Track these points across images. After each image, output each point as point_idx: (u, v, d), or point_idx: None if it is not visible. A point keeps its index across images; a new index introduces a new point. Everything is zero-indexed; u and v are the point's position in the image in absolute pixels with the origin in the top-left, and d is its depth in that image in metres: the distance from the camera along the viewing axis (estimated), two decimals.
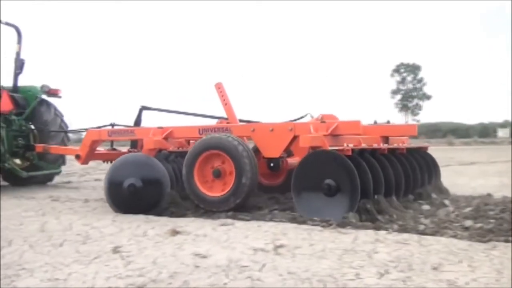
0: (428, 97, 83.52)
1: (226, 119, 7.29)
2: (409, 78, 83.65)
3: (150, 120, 8.07)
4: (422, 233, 4.66)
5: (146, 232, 4.82)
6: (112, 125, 7.76)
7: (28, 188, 9.36)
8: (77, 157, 8.05)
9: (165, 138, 6.71)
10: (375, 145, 6.20)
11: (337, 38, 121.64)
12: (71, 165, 12.25)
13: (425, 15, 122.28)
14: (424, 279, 3.22)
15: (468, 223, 5.03)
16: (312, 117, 6.86)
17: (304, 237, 4.46)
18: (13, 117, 9.51)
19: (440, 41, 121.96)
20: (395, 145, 6.65)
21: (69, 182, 11.02)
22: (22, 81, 10.40)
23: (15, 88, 10.24)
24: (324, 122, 5.99)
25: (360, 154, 5.65)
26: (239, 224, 5.15)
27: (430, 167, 7.19)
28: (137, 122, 7.73)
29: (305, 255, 3.85)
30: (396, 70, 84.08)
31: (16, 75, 10.31)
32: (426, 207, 6.07)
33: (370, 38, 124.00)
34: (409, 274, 3.31)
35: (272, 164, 6.77)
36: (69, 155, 8.86)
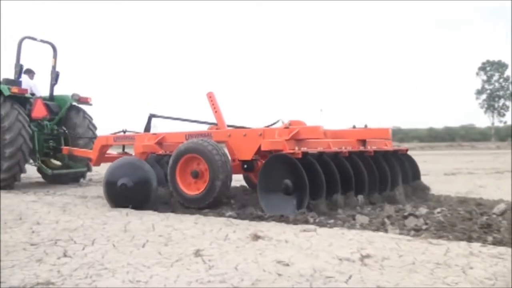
0: None
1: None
2: (495, 77, 79.74)
3: (163, 126, 8.83)
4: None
5: (227, 236, 4.74)
6: (124, 131, 8.54)
7: None
8: (89, 159, 9.35)
9: (159, 143, 7.46)
10: (335, 148, 6.56)
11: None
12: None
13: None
14: None
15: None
16: (283, 122, 7.21)
17: (392, 247, 4.22)
18: (45, 122, 10.84)
19: None
20: (362, 148, 7.02)
21: None
22: (59, 91, 11.82)
23: (51, 97, 11.64)
24: (287, 127, 6.53)
25: (319, 156, 6.14)
26: (321, 230, 4.96)
27: (405, 169, 7.47)
28: (147, 128, 8.26)
29: (394, 267, 3.63)
30: (482, 68, 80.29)
31: (52, 86, 11.69)
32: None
33: (455, 36, 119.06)
34: None
35: (245, 166, 7.14)
36: (87, 157, 9.81)
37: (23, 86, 10.76)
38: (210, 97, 7.65)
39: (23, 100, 10.43)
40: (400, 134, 49.64)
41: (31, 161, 10.56)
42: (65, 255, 4.20)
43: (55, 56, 11.61)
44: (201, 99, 7.82)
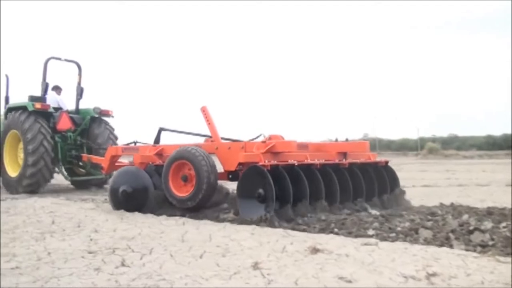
0: None
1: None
2: None
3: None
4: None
5: (285, 248, 4.63)
6: (135, 142, 9.15)
7: None
8: (101, 168, 10.20)
9: (159, 154, 8.12)
10: (307, 161, 7.04)
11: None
12: None
13: None
14: None
15: None
16: (264, 137, 7.62)
17: (458, 265, 4.01)
18: (69, 133, 12.01)
19: None
20: (337, 161, 7.55)
21: None
22: (84, 104, 13.06)
23: (77, 111, 12.89)
24: (264, 142, 7.15)
25: (290, 168, 6.64)
26: (383, 244, 4.79)
27: (384, 179, 7.92)
28: (157, 140, 8.69)
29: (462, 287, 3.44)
30: None
31: (77, 100, 12.98)
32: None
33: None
34: None
35: (230, 176, 7.57)
36: (101, 164, 10.43)
37: (50, 101, 12.20)
38: (204, 111, 8.08)
39: (46, 115, 11.71)
40: (457, 142, 48.13)
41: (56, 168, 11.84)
42: (123, 264, 4.19)
43: (79, 74, 12.94)
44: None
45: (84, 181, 12.17)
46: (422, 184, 12.38)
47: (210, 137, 8.14)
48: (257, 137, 7.75)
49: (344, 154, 7.81)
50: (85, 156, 11.58)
